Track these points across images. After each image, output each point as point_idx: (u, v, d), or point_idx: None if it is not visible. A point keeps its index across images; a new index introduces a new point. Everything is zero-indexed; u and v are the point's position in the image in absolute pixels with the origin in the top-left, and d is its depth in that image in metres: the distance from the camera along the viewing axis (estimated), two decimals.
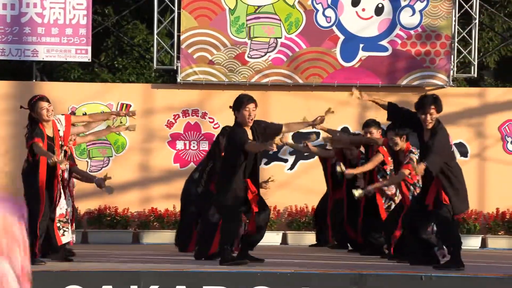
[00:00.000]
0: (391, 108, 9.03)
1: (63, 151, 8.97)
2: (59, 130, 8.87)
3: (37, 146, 8.60)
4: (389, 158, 10.58)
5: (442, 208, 8.49)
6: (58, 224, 8.94)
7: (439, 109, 8.57)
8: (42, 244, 8.83)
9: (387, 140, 10.11)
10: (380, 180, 10.55)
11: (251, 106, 8.71)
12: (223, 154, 9.37)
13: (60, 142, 8.85)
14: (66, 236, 9.04)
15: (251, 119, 8.71)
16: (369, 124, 11.00)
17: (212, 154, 10.13)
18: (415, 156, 9.52)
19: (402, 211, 9.69)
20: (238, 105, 8.76)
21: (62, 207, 9.00)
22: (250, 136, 8.73)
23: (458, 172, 8.65)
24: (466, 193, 8.68)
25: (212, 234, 9.63)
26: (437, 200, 8.52)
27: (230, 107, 8.86)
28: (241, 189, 8.62)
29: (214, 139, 10.67)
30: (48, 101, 8.83)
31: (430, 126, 8.56)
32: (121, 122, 14.89)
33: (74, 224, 10.13)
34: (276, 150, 8.64)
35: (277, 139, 9.36)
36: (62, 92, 14.84)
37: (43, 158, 8.66)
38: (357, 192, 9.76)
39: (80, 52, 14.83)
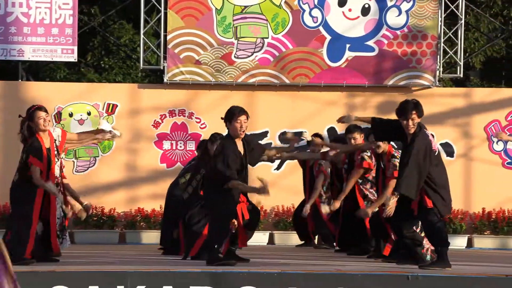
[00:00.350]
0: (376, 128, 9.07)
1: (59, 160, 9.00)
2: (55, 140, 8.91)
3: (39, 180, 8.67)
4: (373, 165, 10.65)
5: (428, 212, 8.52)
6: (58, 233, 9.00)
7: (420, 114, 8.61)
8: (38, 247, 8.87)
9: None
10: (361, 186, 10.68)
11: (242, 118, 8.75)
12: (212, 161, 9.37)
13: (55, 152, 8.88)
14: (64, 243, 9.11)
15: (243, 131, 8.77)
16: (351, 130, 10.98)
17: (202, 162, 10.10)
18: (398, 161, 9.53)
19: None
20: (230, 117, 8.78)
21: (59, 217, 9.05)
22: (241, 149, 8.78)
23: (441, 176, 8.64)
24: (449, 197, 8.69)
25: (195, 238, 9.63)
26: (421, 205, 8.56)
27: (222, 118, 8.88)
28: (237, 194, 8.71)
29: (202, 146, 10.61)
30: (46, 111, 8.87)
31: (412, 131, 8.60)
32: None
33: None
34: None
35: (271, 152, 9.55)
36: (48, 92, 14.79)
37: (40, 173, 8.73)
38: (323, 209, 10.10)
39: (66, 52, 14.79)
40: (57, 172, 8.99)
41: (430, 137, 8.67)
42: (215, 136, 9.80)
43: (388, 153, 9.89)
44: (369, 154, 10.68)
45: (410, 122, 8.55)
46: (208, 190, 8.96)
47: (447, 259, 8.37)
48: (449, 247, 8.60)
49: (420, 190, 8.52)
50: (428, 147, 8.55)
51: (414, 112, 8.55)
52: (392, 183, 9.53)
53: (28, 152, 8.73)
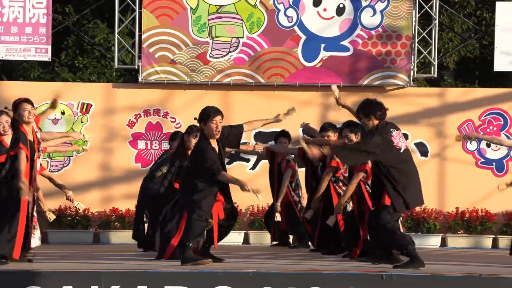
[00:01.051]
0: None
1: (41, 153, 8.99)
2: (36, 132, 8.92)
3: (23, 167, 8.62)
4: (344, 165, 10.69)
5: (381, 210, 8.51)
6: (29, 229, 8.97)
7: (364, 113, 8.58)
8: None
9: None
10: (335, 186, 10.71)
11: (218, 118, 8.72)
12: (190, 155, 9.33)
13: (38, 146, 8.87)
14: (33, 241, 9.08)
15: (218, 132, 8.73)
16: (325, 128, 11.02)
17: (177, 154, 10.06)
18: None
19: (356, 218, 9.82)
20: (205, 118, 8.73)
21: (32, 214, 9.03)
22: (216, 148, 8.75)
23: (407, 175, 8.60)
24: (414, 195, 8.62)
25: (168, 240, 9.59)
26: (381, 202, 8.60)
27: (195, 118, 8.84)
28: (214, 193, 8.70)
29: (176, 137, 10.61)
30: (32, 104, 8.86)
31: (367, 127, 8.64)
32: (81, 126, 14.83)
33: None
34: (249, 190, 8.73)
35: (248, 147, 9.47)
36: (22, 92, 14.60)
37: (26, 166, 8.70)
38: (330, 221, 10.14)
39: (40, 51, 14.72)
40: (37, 165, 8.99)
41: (396, 133, 8.64)
42: (191, 128, 9.76)
43: None
44: None
45: (360, 120, 8.60)
46: (185, 187, 8.90)
47: (420, 258, 8.39)
48: (423, 247, 8.63)
49: (382, 188, 8.54)
50: (387, 139, 8.54)
51: (361, 112, 8.58)
52: (358, 174, 9.61)
53: (16, 141, 8.70)
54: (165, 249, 9.56)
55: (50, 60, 15.24)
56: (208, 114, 8.72)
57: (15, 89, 14.81)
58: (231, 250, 11.54)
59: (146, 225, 11.53)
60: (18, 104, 8.84)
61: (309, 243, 12.22)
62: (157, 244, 10.23)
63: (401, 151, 8.61)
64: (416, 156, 14.93)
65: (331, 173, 10.76)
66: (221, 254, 9.38)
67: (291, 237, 13.21)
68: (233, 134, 8.98)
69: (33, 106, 8.86)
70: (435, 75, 15.77)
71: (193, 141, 9.53)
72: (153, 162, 12.04)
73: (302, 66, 14.92)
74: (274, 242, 13.06)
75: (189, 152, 9.52)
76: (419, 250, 8.61)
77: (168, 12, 14.80)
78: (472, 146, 15.14)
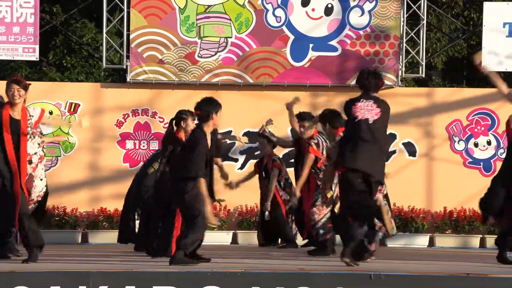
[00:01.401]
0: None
1: (33, 137, 8.90)
2: (31, 116, 8.83)
3: None
4: (322, 154, 10.62)
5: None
6: None
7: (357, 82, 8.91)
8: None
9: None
10: (315, 177, 10.68)
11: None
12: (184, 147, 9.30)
13: (28, 129, 8.80)
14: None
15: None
16: (304, 117, 10.99)
17: (169, 138, 10.00)
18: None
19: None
20: (216, 108, 8.70)
21: None
22: (209, 141, 8.74)
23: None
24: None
25: (169, 233, 9.55)
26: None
27: (197, 110, 8.76)
28: (206, 191, 8.70)
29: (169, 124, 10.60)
30: (21, 85, 8.78)
31: None
32: (69, 121, 14.80)
33: None
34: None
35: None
36: None
37: (7, 138, 8.61)
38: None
39: (27, 50, 14.68)
40: (31, 149, 8.85)
41: (363, 104, 8.62)
42: (183, 114, 9.74)
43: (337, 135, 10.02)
44: (316, 141, 10.62)
45: None
46: (176, 175, 8.79)
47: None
48: (411, 246, 8.62)
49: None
50: (347, 108, 8.68)
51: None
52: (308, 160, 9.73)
53: None
54: (168, 245, 9.47)
55: (38, 59, 15.21)
56: (217, 105, 8.70)
57: (2, 88, 14.73)
58: (219, 250, 11.54)
59: (137, 223, 11.48)
60: (8, 83, 8.84)
61: (297, 242, 12.24)
62: (155, 242, 10.19)
63: (355, 120, 8.58)
64: (404, 156, 14.98)
65: (313, 158, 10.54)
66: (210, 254, 9.37)
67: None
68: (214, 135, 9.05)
69: (23, 88, 8.76)
70: (423, 75, 15.80)
71: (191, 124, 9.53)
72: (147, 159, 12.01)
73: (291, 66, 14.93)
74: (262, 242, 13.08)
75: (180, 136, 9.51)
76: (407, 250, 8.63)
77: (156, 12, 14.78)
78: (460, 146, 15.18)
